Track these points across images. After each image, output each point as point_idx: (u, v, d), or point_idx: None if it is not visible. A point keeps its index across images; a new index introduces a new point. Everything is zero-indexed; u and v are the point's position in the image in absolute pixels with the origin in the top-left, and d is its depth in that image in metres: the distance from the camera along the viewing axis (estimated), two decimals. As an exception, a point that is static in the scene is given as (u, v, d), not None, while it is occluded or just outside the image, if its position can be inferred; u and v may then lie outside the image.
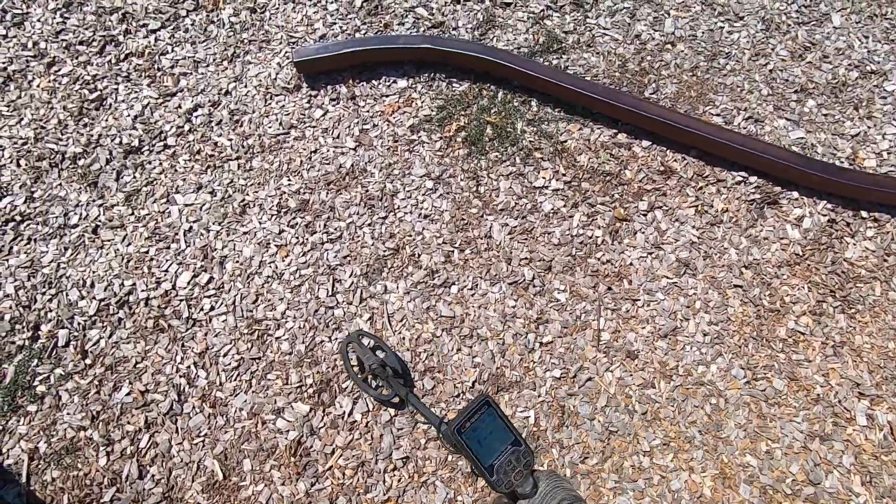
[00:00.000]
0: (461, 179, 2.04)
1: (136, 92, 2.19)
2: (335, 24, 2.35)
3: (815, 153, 2.11)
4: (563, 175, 2.05)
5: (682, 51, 2.34)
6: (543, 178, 2.04)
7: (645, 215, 1.98)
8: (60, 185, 2.01)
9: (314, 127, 2.14)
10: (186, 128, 2.13)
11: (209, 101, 2.17)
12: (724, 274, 1.88)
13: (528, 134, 2.13)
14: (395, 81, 2.22)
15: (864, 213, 1.98)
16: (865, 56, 2.30)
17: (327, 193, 2.01)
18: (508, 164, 2.07)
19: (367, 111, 2.17)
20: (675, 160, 2.08)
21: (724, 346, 1.78)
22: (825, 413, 1.68)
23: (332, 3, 2.40)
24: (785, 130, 2.16)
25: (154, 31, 2.33)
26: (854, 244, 1.94)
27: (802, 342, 1.78)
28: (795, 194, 2.01)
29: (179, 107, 2.16)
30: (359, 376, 1.61)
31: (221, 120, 2.15)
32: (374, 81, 2.23)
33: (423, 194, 2.01)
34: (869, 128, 2.17)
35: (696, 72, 2.30)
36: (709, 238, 1.95)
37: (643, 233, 1.95)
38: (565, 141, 2.12)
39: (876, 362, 1.74)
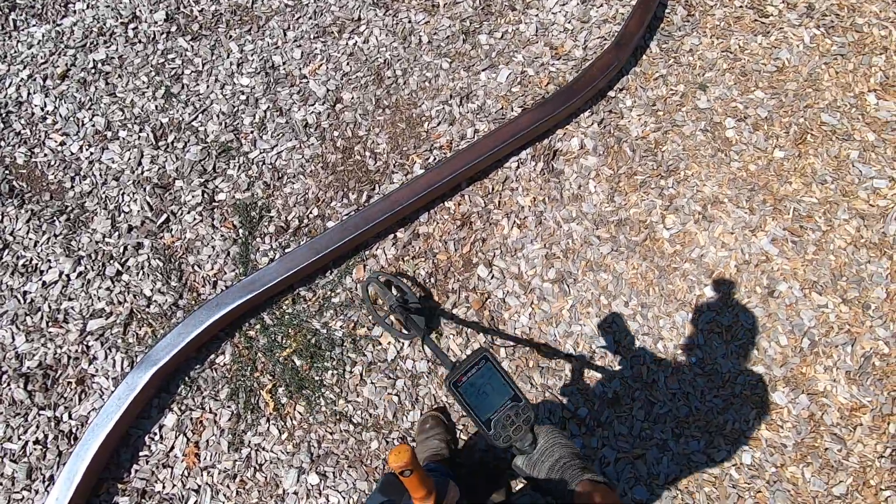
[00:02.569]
0: (331, 434, 1.53)
1: None
2: (25, 444, 1.52)
3: (499, 80, 1.85)
4: (400, 320, 1.63)
5: (352, 97, 1.90)
6: (389, 343, 1.61)
7: (492, 277, 1.66)
8: None
9: (144, 570, 1.44)
10: None
11: None
12: (590, 251, 1.67)
13: (332, 321, 1.63)
14: (161, 426, 1.54)
15: (611, 93, 1.85)
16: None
17: None
18: (350, 368, 1.59)
19: (174, 486, 1.48)
20: (459, 204, 1.74)
21: (652, 308, 1.51)
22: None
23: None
24: (493, 81, 1.90)
25: None
26: (627, 122, 1.81)
27: (684, 242, 1.67)
28: (560, 132, 1.80)
29: None
30: (380, 315, 1.46)
31: None
32: (141, 453, 1.51)
33: (318, 494, 1.49)
34: (537, 15, 1.98)
35: (382, 103, 1.89)
36: (549, 235, 1.70)
37: (509, 292, 1.63)
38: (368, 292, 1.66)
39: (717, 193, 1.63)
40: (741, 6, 1.85)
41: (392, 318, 1.51)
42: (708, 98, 1.73)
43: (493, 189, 1.68)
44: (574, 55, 1.82)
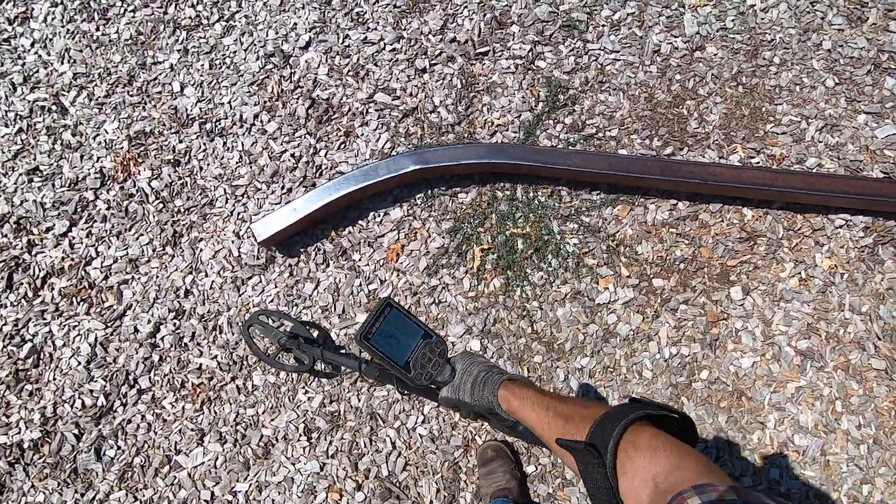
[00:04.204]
0: (509, 322, 1.50)
1: (75, 328, 1.56)
2: (284, 151, 1.66)
3: (876, 133, 1.55)
4: (629, 277, 1.51)
5: (716, 54, 1.68)
6: (606, 289, 1.50)
7: (741, 304, 1.47)
8: (33, 487, 1.46)
9: (310, 307, 1.55)
10: (156, 358, 1.53)
11: (170, 310, 1.56)
12: (857, 355, 1.42)
13: (570, 235, 1.55)
14: (386, 213, 1.59)
15: None
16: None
17: (358, 395, 1.48)
18: (559, 284, 1.51)
19: (367, 264, 1.56)
20: (756, 218, 1.53)
21: (884, 450, 1.31)
22: None
23: (269, 122, 1.69)
24: (869, 129, 1.59)
25: (65, 234, 1.64)
26: None
27: (970, 415, 1.35)
28: (914, 223, 1.48)
29: (136, 331, 1.55)
30: (268, 356, 1.31)
31: (195, 332, 1.55)
32: (361, 222, 1.59)
33: (472, 360, 1.48)
34: (968, 96, 1.59)
35: (741, 78, 1.66)
36: (824, 310, 1.46)
37: (748, 330, 1.44)
38: (616, 232, 1.54)
39: None
40: None
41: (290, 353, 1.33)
42: None
43: (799, 228, 1.44)
44: (983, 161, 1.45)
